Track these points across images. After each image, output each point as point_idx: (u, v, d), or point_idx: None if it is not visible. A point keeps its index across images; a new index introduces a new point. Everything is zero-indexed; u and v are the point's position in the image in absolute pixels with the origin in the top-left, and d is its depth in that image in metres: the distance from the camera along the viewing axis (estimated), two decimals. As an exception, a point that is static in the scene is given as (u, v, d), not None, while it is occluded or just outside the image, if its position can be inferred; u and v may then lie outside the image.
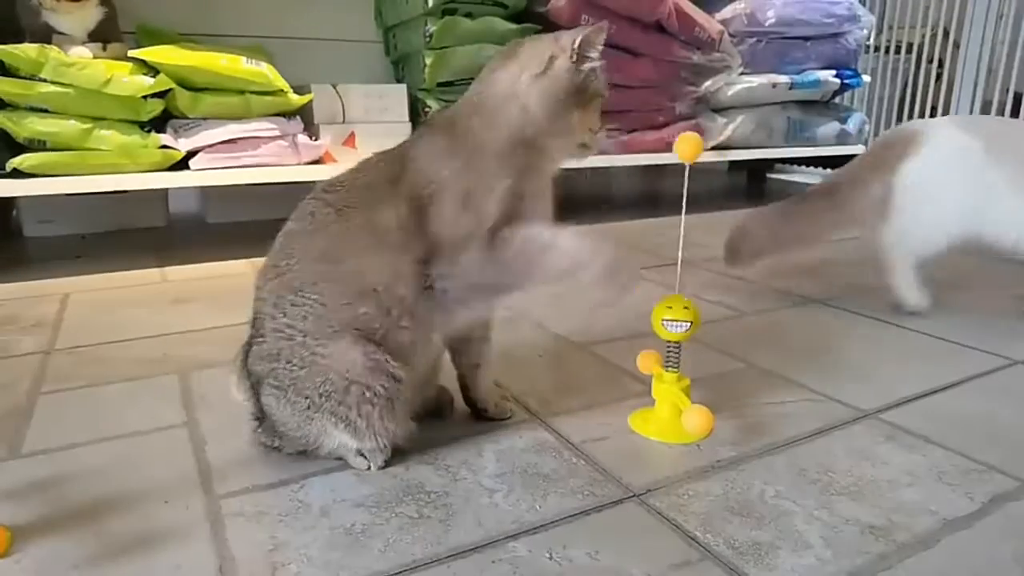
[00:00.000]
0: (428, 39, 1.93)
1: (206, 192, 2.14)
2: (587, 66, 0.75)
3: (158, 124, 1.62)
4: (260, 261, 0.77)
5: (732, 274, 1.56)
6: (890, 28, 3.23)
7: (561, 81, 0.74)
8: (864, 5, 2.87)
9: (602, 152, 2.15)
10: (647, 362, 0.87)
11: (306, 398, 0.71)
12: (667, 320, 0.81)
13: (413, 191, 0.73)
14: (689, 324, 0.81)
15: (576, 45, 0.74)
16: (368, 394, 0.71)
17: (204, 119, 1.64)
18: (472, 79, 0.80)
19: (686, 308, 0.81)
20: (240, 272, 1.58)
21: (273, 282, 0.73)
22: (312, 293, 0.71)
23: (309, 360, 0.70)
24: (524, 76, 0.75)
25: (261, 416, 0.77)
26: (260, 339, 0.73)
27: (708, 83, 2.31)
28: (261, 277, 0.75)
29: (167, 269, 1.61)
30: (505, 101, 0.75)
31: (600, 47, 0.76)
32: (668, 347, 0.84)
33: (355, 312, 0.71)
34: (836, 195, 1.33)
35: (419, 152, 0.75)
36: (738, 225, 1.38)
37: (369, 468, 0.75)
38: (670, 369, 0.84)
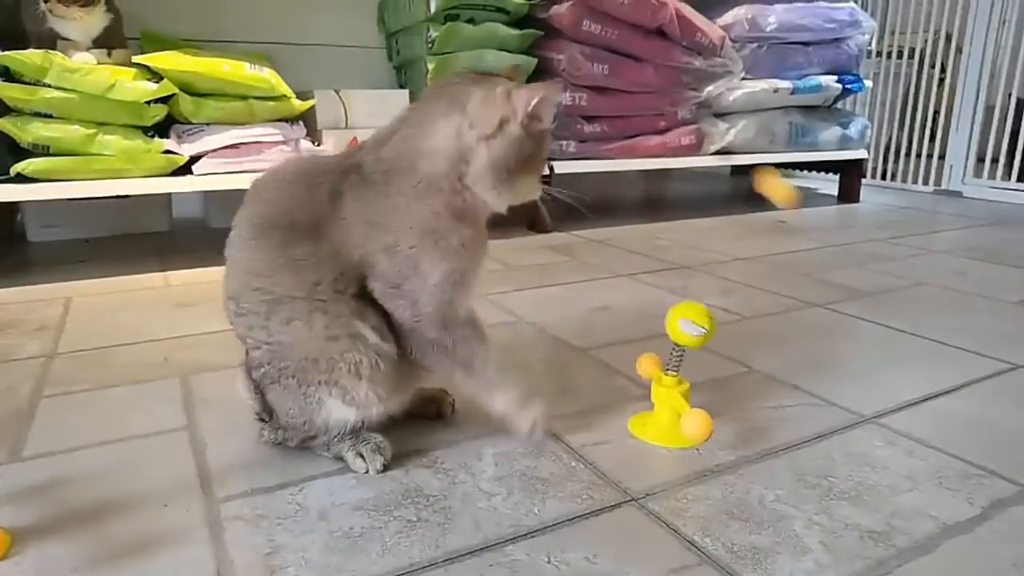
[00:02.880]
0: (430, 45, 1.94)
1: (209, 197, 2.14)
2: (538, 129, 0.67)
3: (161, 129, 1.62)
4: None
5: (732, 278, 1.56)
6: (892, 33, 3.23)
7: (511, 148, 0.67)
8: (866, 10, 2.87)
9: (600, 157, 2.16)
10: (647, 366, 0.87)
11: (294, 378, 0.73)
12: (685, 321, 0.78)
13: (343, 261, 0.71)
14: (705, 331, 0.78)
15: (530, 108, 0.66)
16: (341, 358, 0.72)
17: (207, 124, 1.64)
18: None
19: (709, 317, 0.79)
20: (242, 276, 1.58)
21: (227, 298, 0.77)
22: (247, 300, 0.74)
23: (279, 353, 0.73)
24: (469, 135, 0.67)
25: (264, 415, 0.78)
26: (250, 348, 0.77)
27: (710, 88, 2.31)
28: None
29: (170, 273, 1.61)
30: (444, 160, 0.68)
31: (554, 109, 0.68)
32: (673, 350, 0.83)
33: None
34: None
35: (349, 214, 0.71)
36: None
37: (367, 471, 0.75)
38: (669, 373, 0.84)
